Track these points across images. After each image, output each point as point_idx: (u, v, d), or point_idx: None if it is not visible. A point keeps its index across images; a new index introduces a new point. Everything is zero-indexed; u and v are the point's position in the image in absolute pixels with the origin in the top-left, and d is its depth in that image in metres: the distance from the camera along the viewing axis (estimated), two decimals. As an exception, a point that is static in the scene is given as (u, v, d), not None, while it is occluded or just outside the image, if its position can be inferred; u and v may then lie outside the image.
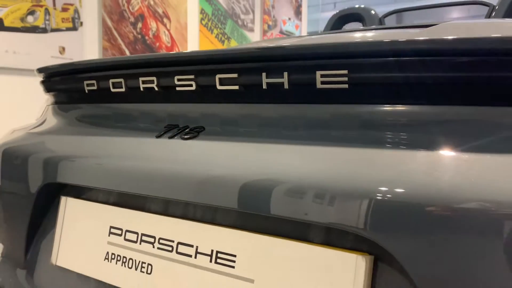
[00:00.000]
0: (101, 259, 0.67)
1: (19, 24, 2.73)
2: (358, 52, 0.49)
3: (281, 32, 5.32)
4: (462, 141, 0.45)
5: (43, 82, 0.87)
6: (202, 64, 0.60)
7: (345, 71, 0.49)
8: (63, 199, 0.75)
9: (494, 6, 1.65)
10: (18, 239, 0.81)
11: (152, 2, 3.64)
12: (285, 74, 0.52)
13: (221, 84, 0.57)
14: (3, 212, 0.88)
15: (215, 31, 4.34)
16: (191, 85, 0.60)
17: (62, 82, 0.82)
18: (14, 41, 2.71)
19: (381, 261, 0.47)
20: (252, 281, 0.53)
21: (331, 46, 0.51)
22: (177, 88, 0.61)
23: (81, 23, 3.10)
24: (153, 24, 3.66)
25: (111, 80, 0.68)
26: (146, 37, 3.61)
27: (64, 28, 2.99)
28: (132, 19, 3.49)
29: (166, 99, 0.65)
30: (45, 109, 0.96)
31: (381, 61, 0.47)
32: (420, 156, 0.46)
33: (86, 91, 0.73)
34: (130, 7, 3.47)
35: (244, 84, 0.56)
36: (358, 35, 0.84)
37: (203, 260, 0.57)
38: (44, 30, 2.87)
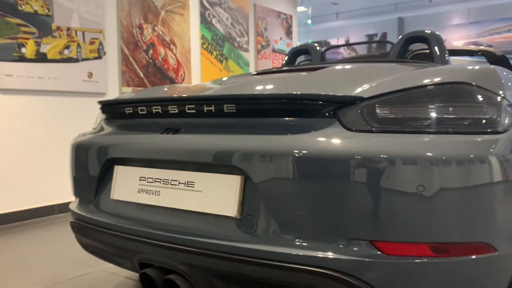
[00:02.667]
0: (136, 192, 1.42)
1: (58, 57, 3.53)
2: (235, 99, 1.25)
3: (273, 50, 6.08)
4: (269, 129, 1.20)
5: (100, 108, 1.63)
6: (180, 101, 1.35)
7: (234, 105, 1.23)
8: (115, 167, 1.50)
9: (394, 44, 2.34)
10: (91, 189, 1.56)
11: (160, 32, 4.42)
12: (213, 105, 1.27)
13: (188, 110, 1.32)
14: (80, 177, 1.63)
15: (214, 53, 5.12)
16: (175, 110, 1.35)
17: (112, 108, 1.58)
18: (54, 70, 3.50)
19: (247, 179, 1.20)
20: (200, 191, 1.27)
21: (228, 96, 1.27)
22: (169, 112, 1.37)
23: (105, 53, 3.89)
24: (161, 50, 4.44)
25: (139, 108, 1.44)
26: (156, 61, 4.39)
27: (91, 58, 3.78)
28: (144, 47, 4.27)
29: (164, 117, 1.40)
30: (99, 122, 1.72)
31: (239, 101, 1.23)
32: (252, 138, 1.20)
33: (126, 113, 1.49)
34: (143, 38, 4.25)
35: (197, 109, 1.31)
36: (247, 83, 1.57)
37: (182, 186, 1.31)
38: (76, 60, 3.66)
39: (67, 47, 3.59)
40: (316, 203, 1.09)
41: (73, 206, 1.67)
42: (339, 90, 1.22)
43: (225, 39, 5.26)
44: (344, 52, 24.33)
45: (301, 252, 1.10)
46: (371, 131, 1.14)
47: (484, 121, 1.17)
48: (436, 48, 2.13)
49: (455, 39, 20.09)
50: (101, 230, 1.48)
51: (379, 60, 2.17)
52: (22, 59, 3.28)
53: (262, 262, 1.13)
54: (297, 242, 1.11)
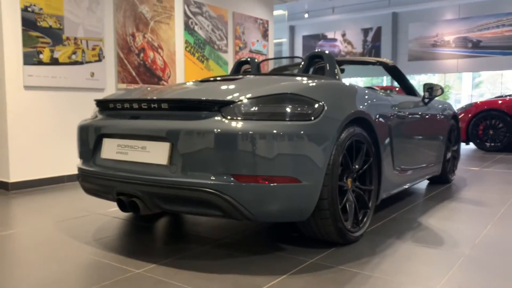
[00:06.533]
0: (115, 153, 2.42)
1: (67, 60, 4.54)
2: (167, 100, 2.25)
3: (250, 51, 7.05)
4: (184, 118, 2.20)
5: (95, 104, 2.65)
6: (139, 101, 2.36)
7: (167, 104, 2.24)
8: (103, 139, 2.51)
9: (303, 59, 3.30)
10: (89, 152, 2.58)
11: (150, 39, 5.42)
12: (156, 104, 2.28)
13: (143, 106, 2.33)
14: (83, 146, 2.65)
15: (196, 55, 6.11)
16: (137, 106, 2.36)
17: (103, 103, 2.59)
18: (64, 71, 4.51)
19: (173, 145, 2.21)
20: (149, 151, 2.28)
21: (163, 99, 2.28)
22: (133, 107, 2.37)
23: (104, 57, 4.89)
24: (151, 54, 5.44)
25: (117, 104, 2.45)
26: (146, 63, 5.39)
27: (93, 61, 4.79)
28: (136, 51, 5.27)
29: (131, 109, 2.40)
30: (95, 112, 2.73)
31: (168, 102, 2.24)
32: (175, 122, 2.21)
33: (110, 107, 2.51)
34: (135, 44, 5.25)
35: (148, 106, 2.31)
36: (182, 89, 2.57)
37: (139, 149, 2.32)
38: (81, 63, 4.67)
39: (74, 52, 4.60)
40: (206, 155, 2.10)
41: (79, 164, 2.69)
42: (224, 95, 2.22)
43: (206, 43, 6.25)
44: (341, 45, 25.19)
45: (198, 181, 2.09)
46: (238, 119, 2.13)
47: (301, 113, 2.18)
48: (327, 65, 3.12)
49: (447, 33, 20.97)
50: (95, 176, 2.50)
51: (279, 74, 3.10)
52: (40, 63, 4.29)
53: (179, 187, 2.13)
54: (197, 176, 2.12)
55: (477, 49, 20.39)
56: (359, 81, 24.61)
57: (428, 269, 2.08)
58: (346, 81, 2.88)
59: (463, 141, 7.73)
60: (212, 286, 1.89)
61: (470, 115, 7.69)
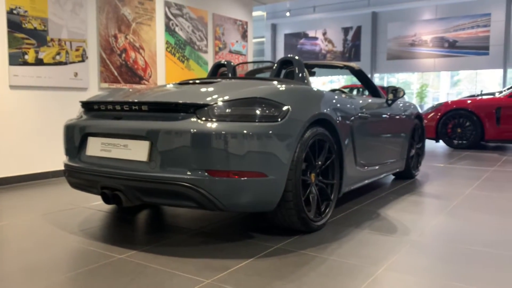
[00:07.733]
0: (99, 150, 2.65)
1: (51, 61, 4.71)
2: (146, 103, 2.50)
3: (230, 51, 7.29)
4: (165, 119, 2.45)
5: (81, 105, 2.87)
6: (121, 103, 2.60)
7: (147, 106, 2.48)
8: (88, 137, 2.73)
9: (275, 64, 3.57)
10: (75, 150, 2.80)
11: (132, 40, 5.62)
12: (137, 106, 2.52)
13: (124, 108, 2.56)
14: (69, 144, 2.87)
15: (177, 55, 6.32)
16: (119, 107, 2.60)
17: (87, 105, 2.81)
18: (49, 71, 4.69)
19: (152, 143, 2.45)
20: (131, 149, 2.52)
21: (143, 102, 2.52)
22: (116, 108, 2.61)
23: (87, 57, 5.08)
24: (132, 54, 5.64)
25: (101, 105, 2.68)
26: (128, 63, 5.59)
27: (77, 61, 4.97)
28: (118, 52, 5.47)
29: (114, 111, 2.64)
30: (80, 113, 2.95)
31: (148, 104, 2.48)
32: (155, 123, 2.45)
33: (95, 108, 2.73)
34: (117, 44, 5.44)
35: (129, 108, 2.55)
36: (161, 91, 2.82)
37: (122, 147, 2.55)
38: (65, 63, 4.85)
39: (58, 53, 4.78)
40: (183, 153, 2.34)
41: (65, 160, 2.91)
42: (200, 99, 2.47)
43: (187, 43, 6.47)
44: (322, 44, 25.52)
45: (175, 175, 2.34)
46: (212, 121, 2.38)
47: (269, 115, 2.44)
48: (296, 69, 3.39)
49: (424, 33, 21.51)
50: (80, 172, 2.73)
51: (252, 78, 3.39)
52: (25, 63, 4.47)
53: (158, 181, 2.37)
54: (174, 171, 2.36)
55: (453, 49, 20.96)
56: (341, 79, 25.09)
57: (378, 253, 2.37)
58: (329, 79, 3.17)
59: (433, 139, 8.11)
60: (186, 268, 2.15)
61: (439, 114, 8.07)
